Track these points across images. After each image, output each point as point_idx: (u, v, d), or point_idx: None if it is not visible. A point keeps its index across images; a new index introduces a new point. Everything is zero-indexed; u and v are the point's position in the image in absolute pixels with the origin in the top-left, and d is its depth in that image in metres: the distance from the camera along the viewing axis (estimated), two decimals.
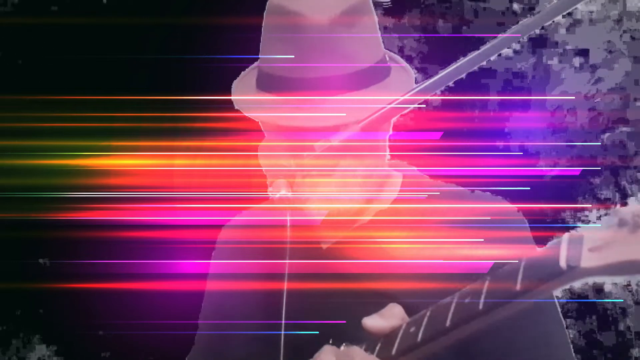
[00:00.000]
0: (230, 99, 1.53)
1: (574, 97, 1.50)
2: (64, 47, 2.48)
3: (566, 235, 0.94)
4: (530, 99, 1.69)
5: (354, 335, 1.15)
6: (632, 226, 0.87)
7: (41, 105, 2.30)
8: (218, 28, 2.19)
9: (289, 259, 1.32)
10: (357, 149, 1.36)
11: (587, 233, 0.93)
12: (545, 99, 1.71)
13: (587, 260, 0.90)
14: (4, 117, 2.24)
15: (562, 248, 0.93)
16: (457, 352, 1.21)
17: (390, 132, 1.43)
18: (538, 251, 0.97)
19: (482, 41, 1.18)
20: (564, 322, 1.32)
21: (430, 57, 1.81)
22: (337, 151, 1.34)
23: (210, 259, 1.66)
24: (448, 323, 1.02)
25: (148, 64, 2.47)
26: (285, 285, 1.29)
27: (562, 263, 0.91)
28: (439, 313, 1.05)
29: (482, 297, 0.99)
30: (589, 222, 0.96)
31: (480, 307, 0.99)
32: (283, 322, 1.27)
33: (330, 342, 1.12)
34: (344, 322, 1.17)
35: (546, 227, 1.27)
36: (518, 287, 0.95)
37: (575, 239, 0.93)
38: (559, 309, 1.32)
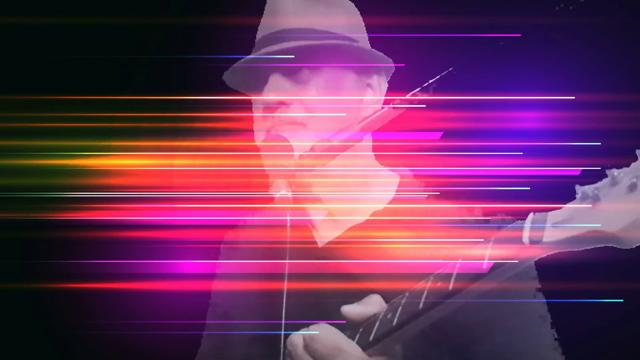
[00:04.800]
0: (230, 99, 1.54)
1: (574, 97, 1.50)
2: (63, 47, 2.48)
3: (531, 215, 1.00)
4: (530, 99, 1.69)
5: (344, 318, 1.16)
6: (592, 199, 0.91)
7: (41, 105, 2.30)
8: (218, 28, 2.19)
9: (289, 259, 1.32)
10: (355, 148, 1.37)
11: (551, 212, 0.97)
12: (545, 99, 1.71)
13: (549, 236, 0.94)
14: (4, 117, 2.24)
15: (525, 226, 0.98)
16: (455, 354, 1.22)
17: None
18: (505, 231, 1.01)
19: (482, 41, 1.18)
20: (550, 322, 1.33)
21: (430, 57, 1.81)
22: (337, 151, 1.35)
23: (211, 259, 1.67)
24: (421, 305, 1.05)
25: (148, 64, 2.47)
26: (286, 285, 1.30)
27: (525, 239, 0.96)
28: (413, 298, 1.08)
29: (452, 277, 1.03)
30: None
31: (450, 287, 1.02)
32: (283, 322, 1.28)
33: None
34: (344, 322, 1.17)
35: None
36: (485, 265, 0.99)
37: (539, 217, 0.98)
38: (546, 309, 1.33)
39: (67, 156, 2.23)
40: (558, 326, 1.36)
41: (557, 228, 0.93)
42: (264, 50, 1.43)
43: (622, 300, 1.22)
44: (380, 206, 1.46)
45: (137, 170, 1.96)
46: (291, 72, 1.43)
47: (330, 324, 1.19)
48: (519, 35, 1.12)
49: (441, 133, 1.50)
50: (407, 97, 1.27)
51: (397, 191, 1.47)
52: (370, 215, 1.46)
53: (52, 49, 2.49)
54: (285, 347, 1.18)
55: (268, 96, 1.43)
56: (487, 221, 1.34)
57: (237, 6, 1.59)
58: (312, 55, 1.42)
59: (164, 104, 2.19)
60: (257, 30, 1.52)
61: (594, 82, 2.01)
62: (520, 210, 1.34)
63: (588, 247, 0.92)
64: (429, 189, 1.46)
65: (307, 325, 1.20)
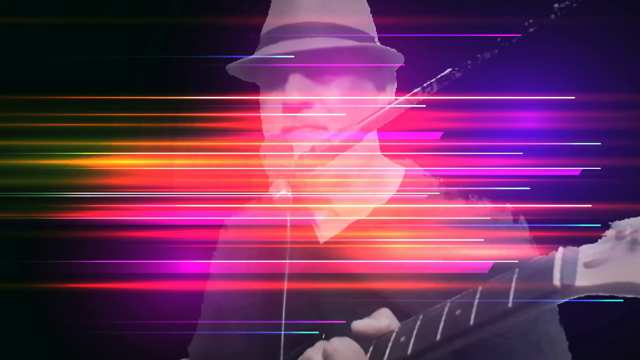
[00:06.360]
0: (230, 99, 1.53)
1: (574, 97, 1.50)
2: (63, 47, 2.48)
3: (561, 250, 0.92)
4: (530, 99, 1.69)
5: (353, 335, 1.15)
6: (630, 242, 0.84)
7: (41, 105, 2.30)
8: (218, 28, 2.19)
9: (289, 259, 1.32)
10: (355, 148, 1.37)
11: (583, 247, 0.90)
12: (545, 99, 1.71)
13: (582, 279, 0.87)
14: (4, 117, 2.24)
15: (556, 264, 0.90)
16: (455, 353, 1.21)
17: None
18: (531, 266, 0.94)
19: (484, 41, 1.18)
20: (561, 325, 1.32)
21: (430, 57, 1.81)
22: (337, 151, 1.34)
23: (210, 259, 1.66)
24: (438, 337, 1.00)
25: (148, 64, 2.47)
26: (286, 285, 1.29)
27: (556, 282, 0.89)
28: (429, 324, 1.03)
29: (473, 312, 0.96)
30: (588, 223, 0.93)
31: (471, 322, 0.96)
32: (283, 322, 1.27)
33: (323, 337, 1.12)
34: (344, 322, 1.17)
35: (546, 227, 1.26)
36: (510, 304, 0.93)
37: (570, 255, 0.90)
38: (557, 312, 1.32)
39: (67, 156, 2.23)
40: None
41: (591, 270, 0.86)
42: (283, 45, 1.38)
43: (622, 300, 1.22)
44: (380, 205, 1.45)
45: (137, 170, 1.96)
46: (313, 72, 1.40)
47: (329, 324, 1.19)
48: (519, 35, 1.12)
49: (441, 133, 1.50)
50: (407, 97, 1.27)
51: (398, 190, 1.47)
52: (369, 215, 1.45)
53: (52, 49, 2.49)
54: (285, 346, 1.17)
55: (292, 96, 1.39)
56: (488, 221, 1.33)
57: (237, 6, 1.59)
58: (336, 56, 1.39)
59: (164, 104, 2.19)
60: (257, 29, 1.51)
61: (594, 82, 2.01)
62: (520, 210, 1.34)
63: (621, 295, 0.85)
64: (441, 188, 1.45)
65: (308, 325, 1.19)
